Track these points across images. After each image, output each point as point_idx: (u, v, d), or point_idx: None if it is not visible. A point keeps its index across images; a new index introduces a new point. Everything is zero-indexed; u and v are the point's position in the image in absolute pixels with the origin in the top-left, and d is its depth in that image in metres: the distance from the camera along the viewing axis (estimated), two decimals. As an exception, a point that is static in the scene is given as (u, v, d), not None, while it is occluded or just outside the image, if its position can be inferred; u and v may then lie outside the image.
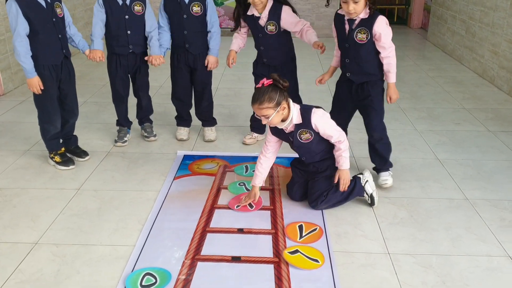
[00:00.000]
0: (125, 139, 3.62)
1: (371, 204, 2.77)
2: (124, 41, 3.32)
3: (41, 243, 2.44)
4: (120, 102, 3.57)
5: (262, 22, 3.23)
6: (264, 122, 2.54)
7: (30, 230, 2.55)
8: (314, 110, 2.59)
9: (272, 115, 2.48)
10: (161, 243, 2.44)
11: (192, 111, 3.77)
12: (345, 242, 2.47)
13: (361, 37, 2.68)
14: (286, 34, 3.32)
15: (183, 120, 3.74)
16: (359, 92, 2.90)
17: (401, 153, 3.49)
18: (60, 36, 3.02)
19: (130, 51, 3.36)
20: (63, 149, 3.29)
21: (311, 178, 2.78)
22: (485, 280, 2.20)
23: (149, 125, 3.73)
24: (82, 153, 3.36)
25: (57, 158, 3.22)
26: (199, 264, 2.29)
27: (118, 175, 3.16)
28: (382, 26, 2.67)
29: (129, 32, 3.32)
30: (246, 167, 3.28)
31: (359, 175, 2.83)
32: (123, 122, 3.65)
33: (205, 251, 2.38)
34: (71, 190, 2.96)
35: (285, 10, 3.20)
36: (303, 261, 2.31)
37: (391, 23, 2.78)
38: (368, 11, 2.68)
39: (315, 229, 2.56)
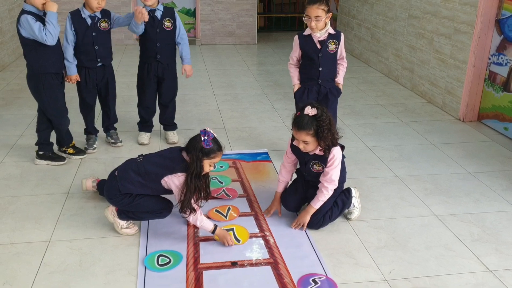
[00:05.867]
0: (95, 146, 3.92)
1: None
2: (92, 56, 3.64)
3: (73, 192, 3.27)
4: (89, 111, 3.87)
5: None
6: (312, 24, 3.21)
7: (57, 187, 3.36)
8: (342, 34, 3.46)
9: (323, 18, 3.21)
10: (162, 230, 2.85)
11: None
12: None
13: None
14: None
15: (146, 126, 4.11)
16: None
17: (338, 144, 4.16)
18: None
19: (99, 64, 3.69)
20: (73, 142, 3.78)
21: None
22: (421, 234, 2.91)
23: (114, 132, 4.05)
24: (59, 158, 3.68)
25: (70, 150, 3.75)
26: (201, 243, 2.75)
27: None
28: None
29: (96, 47, 3.64)
30: (213, 164, 3.74)
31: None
32: (91, 130, 3.94)
33: (202, 233, 2.85)
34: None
35: None
36: (284, 233, 2.86)
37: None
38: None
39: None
